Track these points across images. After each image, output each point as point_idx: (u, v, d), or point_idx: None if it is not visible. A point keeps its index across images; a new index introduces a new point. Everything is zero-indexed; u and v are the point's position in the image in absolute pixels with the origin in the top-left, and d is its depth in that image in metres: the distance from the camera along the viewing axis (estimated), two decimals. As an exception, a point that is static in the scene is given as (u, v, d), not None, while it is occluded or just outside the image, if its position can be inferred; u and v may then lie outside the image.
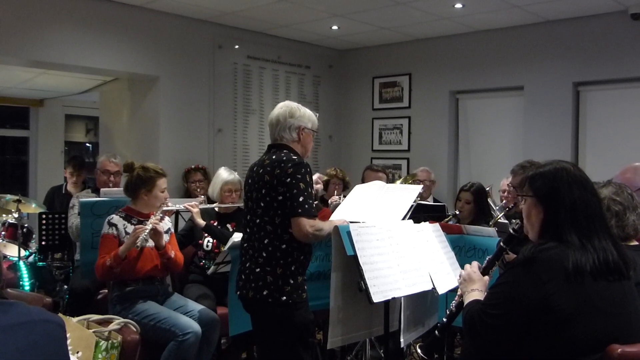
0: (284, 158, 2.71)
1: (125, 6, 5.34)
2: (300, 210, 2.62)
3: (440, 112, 6.48)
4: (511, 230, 2.28)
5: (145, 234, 3.32)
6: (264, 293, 2.66)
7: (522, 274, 1.87)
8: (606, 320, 1.83)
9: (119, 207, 3.65)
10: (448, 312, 2.32)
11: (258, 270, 2.69)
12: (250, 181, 2.82)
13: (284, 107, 2.90)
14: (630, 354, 1.79)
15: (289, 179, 2.64)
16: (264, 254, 2.69)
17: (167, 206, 3.67)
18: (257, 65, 6.44)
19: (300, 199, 2.62)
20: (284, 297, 2.66)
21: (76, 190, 5.59)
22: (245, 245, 2.82)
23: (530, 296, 1.82)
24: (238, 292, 2.80)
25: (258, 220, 2.73)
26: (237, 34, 6.21)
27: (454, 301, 2.32)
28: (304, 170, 2.68)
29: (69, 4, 5.05)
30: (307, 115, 2.90)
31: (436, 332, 2.39)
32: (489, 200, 4.65)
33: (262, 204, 2.71)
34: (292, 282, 2.68)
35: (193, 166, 5.66)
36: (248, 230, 2.81)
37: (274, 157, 2.75)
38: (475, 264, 2.27)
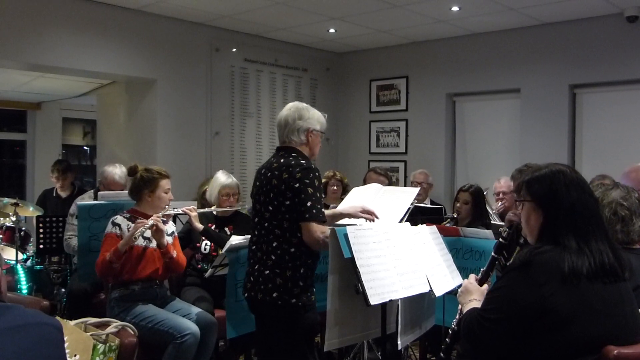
0: (292, 162, 2.70)
1: (122, 9, 5.34)
2: (307, 215, 2.62)
3: (437, 115, 6.49)
4: (500, 239, 2.26)
5: (145, 227, 3.31)
6: (274, 295, 2.67)
7: (518, 277, 1.88)
8: (602, 321, 1.83)
9: (116, 210, 3.65)
10: (450, 332, 2.29)
11: (267, 272, 2.70)
12: (258, 184, 2.81)
13: (292, 108, 2.86)
14: (627, 356, 1.80)
15: (297, 184, 2.64)
16: (273, 257, 2.70)
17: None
18: (254, 68, 6.44)
19: (309, 204, 2.63)
20: (294, 300, 2.67)
21: (65, 193, 5.60)
22: (253, 247, 2.82)
23: (527, 299, 1.82)
24: (246, 294, 2.79)
25: (267, 224, 2.73)
26: (234, 37, 6.22)
27: (454, 320, 2.28)
28: (312, 175, 2.67)
29: (67, 7, 5.06)
30: (315, 116, 2.86)
31: (442, 354, 2.35)
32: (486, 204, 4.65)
33: (270, 208, 2.71)
34: (301, 284, 2.69)
35: None
36: (256, 232, 2.80)
37: (282, 160, 2.75)
38: (472, 276, 2.27)
